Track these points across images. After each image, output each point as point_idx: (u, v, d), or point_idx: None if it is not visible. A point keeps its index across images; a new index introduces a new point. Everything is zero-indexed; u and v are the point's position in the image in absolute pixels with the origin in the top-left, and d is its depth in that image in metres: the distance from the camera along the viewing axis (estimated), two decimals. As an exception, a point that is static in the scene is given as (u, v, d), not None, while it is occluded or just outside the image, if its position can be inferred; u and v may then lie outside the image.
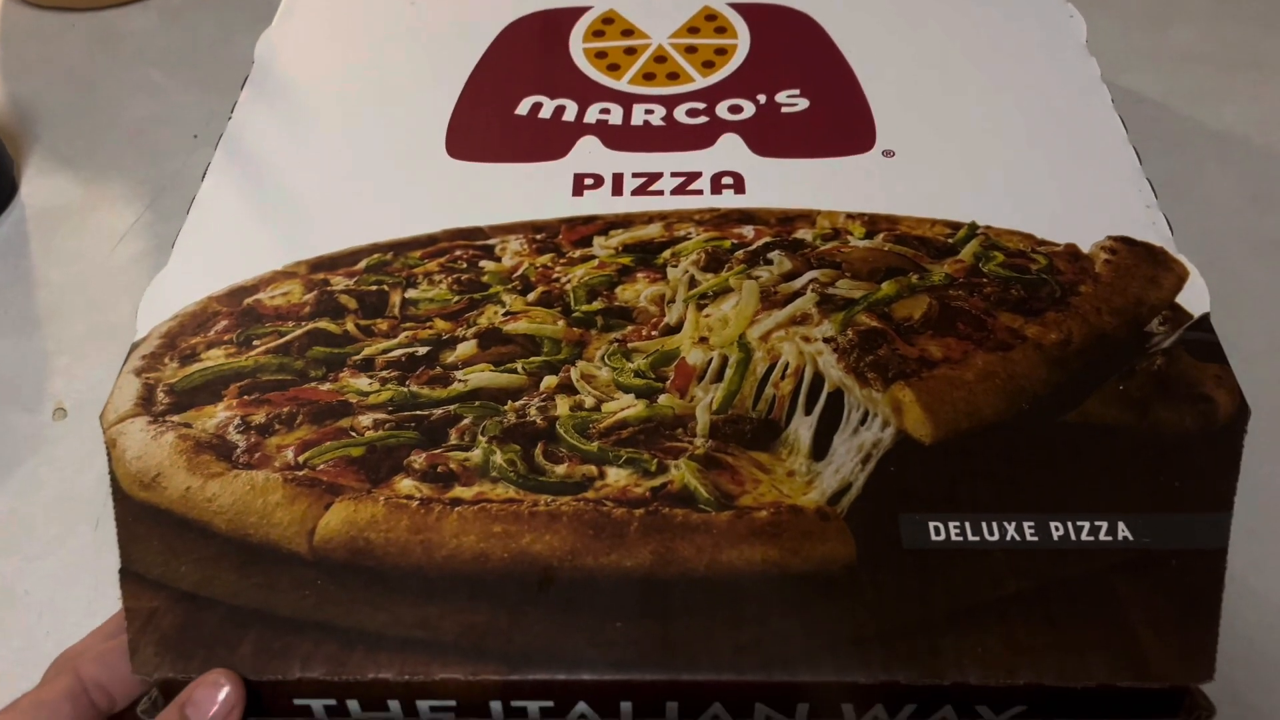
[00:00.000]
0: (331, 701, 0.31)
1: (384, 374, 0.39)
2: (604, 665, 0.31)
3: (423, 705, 0.32)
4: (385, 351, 0.40)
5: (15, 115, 0.66)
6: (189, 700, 0.31)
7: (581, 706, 0.32)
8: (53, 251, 0.60)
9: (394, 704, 0.32)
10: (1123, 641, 0.31)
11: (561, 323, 0.41)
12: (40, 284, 0.58)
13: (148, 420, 0.37)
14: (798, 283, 0.41)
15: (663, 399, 0.38)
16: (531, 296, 0.42)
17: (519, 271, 0.43)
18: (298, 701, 0.31)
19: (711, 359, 0.39)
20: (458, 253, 0.43)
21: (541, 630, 0.32)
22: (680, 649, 0.31)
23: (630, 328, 0.40)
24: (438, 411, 0.37)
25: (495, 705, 0.32)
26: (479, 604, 0.32)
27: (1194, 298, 0.40)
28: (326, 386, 0.38)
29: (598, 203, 0.45)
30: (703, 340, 0.40)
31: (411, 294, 0.42)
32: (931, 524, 0.34)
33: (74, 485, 0.49)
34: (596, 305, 0.41)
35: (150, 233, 0.60)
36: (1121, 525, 0.34)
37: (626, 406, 0.38)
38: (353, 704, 0.32)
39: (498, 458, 0.36)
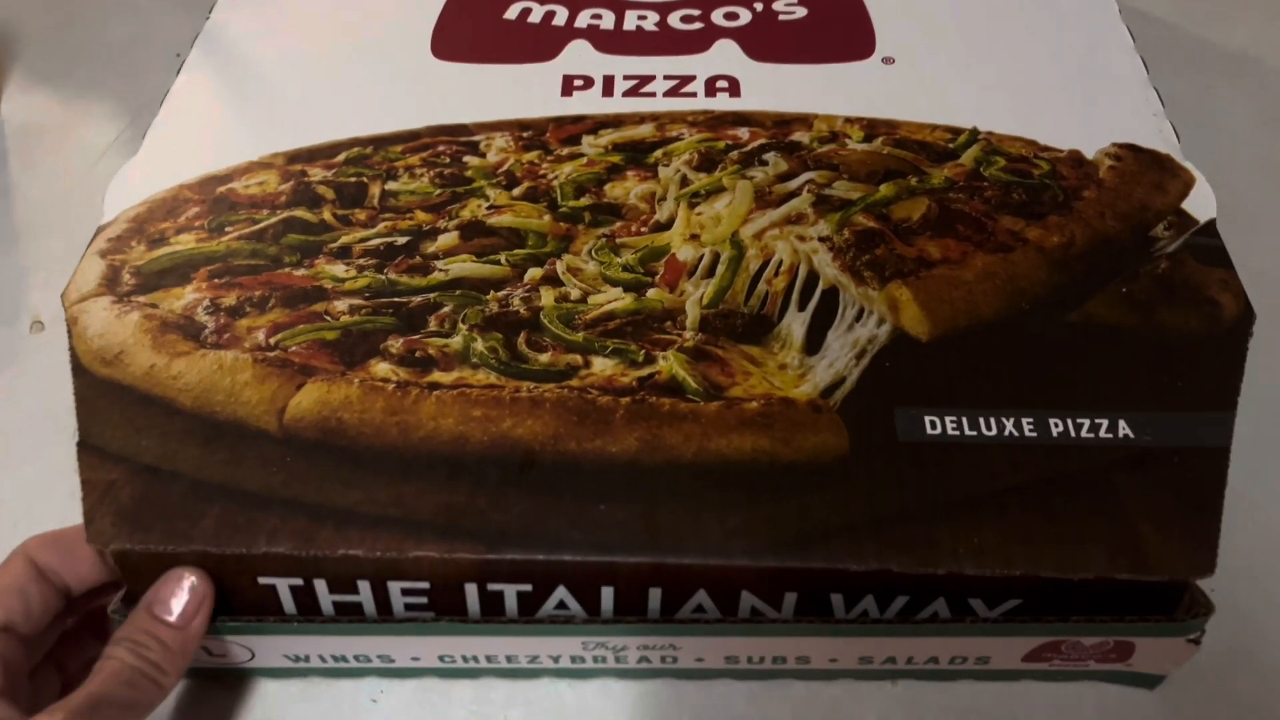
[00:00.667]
0: (298, 581, 0.30)
1: (361, 261, 0.37)
2: (586, 546, 0.29)
3: (394, 588, 0.30)
4: (363, 240, 0.38)
5: (-11, 28, 0.64)
6: (154, 600, 0.29)
7: (561, 592, 0.30)
8: (32, 168, 0.58)
9: (364, 586, 0.30)
10: (1122, 535, 0.30)
11: (547, 217, 0.39)
12: (19, 200, 0.57)
13: (112, 300, 0.36)
14: (793, 184, 0.40)
15: (651, 293, 0.36)
16: (517, 191, 0.40)
17: (504, 167, 0.41)
18: (263, 581, 0.30)
19: (703, 255, 0.38)
20: (440, 148, 0.42)
21: (521, 511, 0.30)
22: (666, 532, 0.30)
23: (619, 224, 0.39)
24: (416, 299, 0.36)
25: (470, 589, 0.30)
26: (457, 484, 0.31)
27: (1200, 204, 0.39)
28: (301, 272, 0.37)
29: (587, 103, 0.44)
30: (694, 237, 0.38)
31: (391, 186, 0.40)
32: (927, 418, 0.33)
33: (51, 398, 0.47)
34: (584, 201, 0.40)
35: (131, 150, 0.58)
36: (1122, 423, 0.33)
37: (614, 299, 0.36)
38: (320, 585, 0.30)
39: (479, 345, 0.34)
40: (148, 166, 0.40)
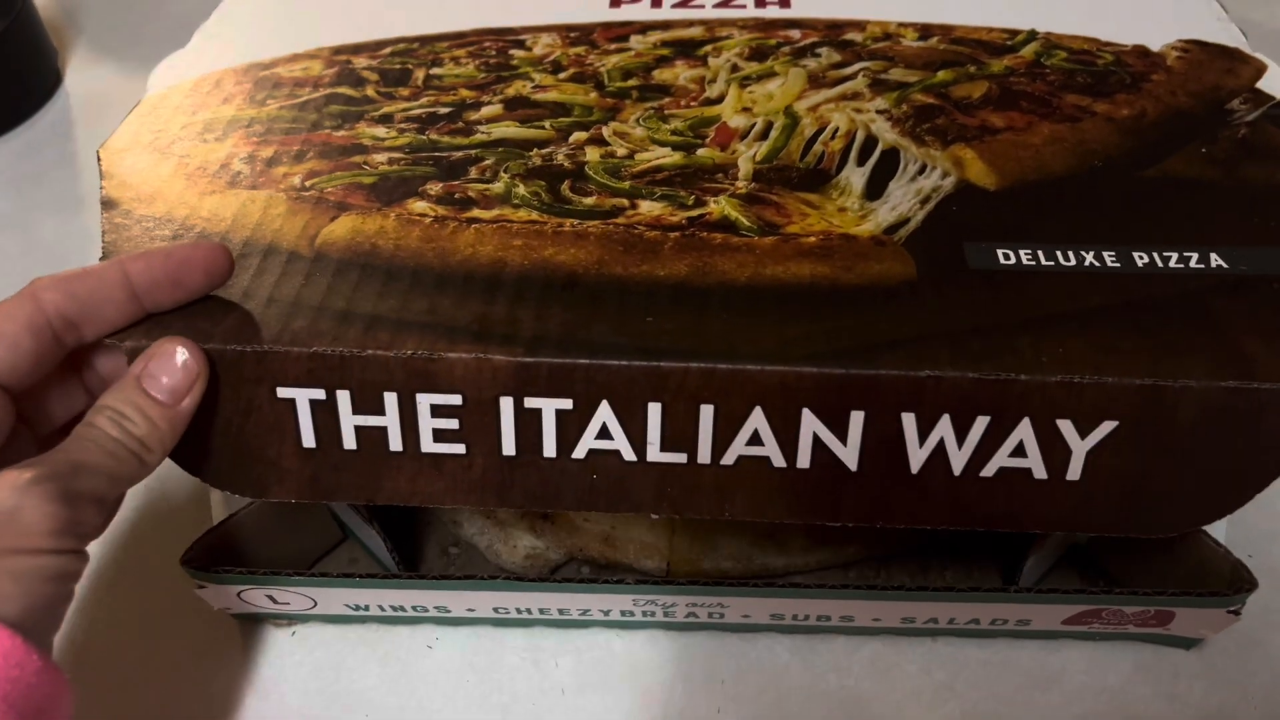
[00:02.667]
0: (319, 394, 0.28)
1: (402, 125, 0.36)
2: (631, 351, 0.27)
3: (424, 405, 0.28)
4: (405, 109, 0.37)
5: (59, 7, 0.66)
6: (144, 373, 0.27)
7: (604, 413, 0.28)
8: (96, 136, 0.59)
9: (391, 402, 0.28)
10: (1224, 346, 0.27)
11: (594, 94, 0.38)
12: (85, 167, 0.58)
13: (148, 151, 0.35)
14: (848, 70, 0.39)
15: (701, 152, 0.35)
16: (563, 75, 0.39)
17: (550, 58, 0.40)
18: (282, 394, 0.28)
19: (755, 123, 0.36)
20: (487, 43, 0.41)
21: (563, 320, 0.28)
22: (718, 340, 0.27)
23: (668, 99, 0.38)
24: (458, 154, 0.35)
25: (506, 407, 0.28)
26: (495, 297, 0.29)
27: (1276, 84, 0.37)
28: (341, 133, 0.36)
29: (636, 12, 0.43)
30: (746, 110, 0.37)
31: (436, 71, 0.40)
32: (1000, 250, 0.30)
33: None
34: (632, 82, 0.39)
35: None
36: (1214, 255, 0.30)
37: (662, 156, 0.35)
38: (343, 401, 0.28)
39: (521, 189, 0.33)
40: (193, 55, 0.40)
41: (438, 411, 0.28)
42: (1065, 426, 0.27)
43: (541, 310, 0.28)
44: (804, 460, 0.28)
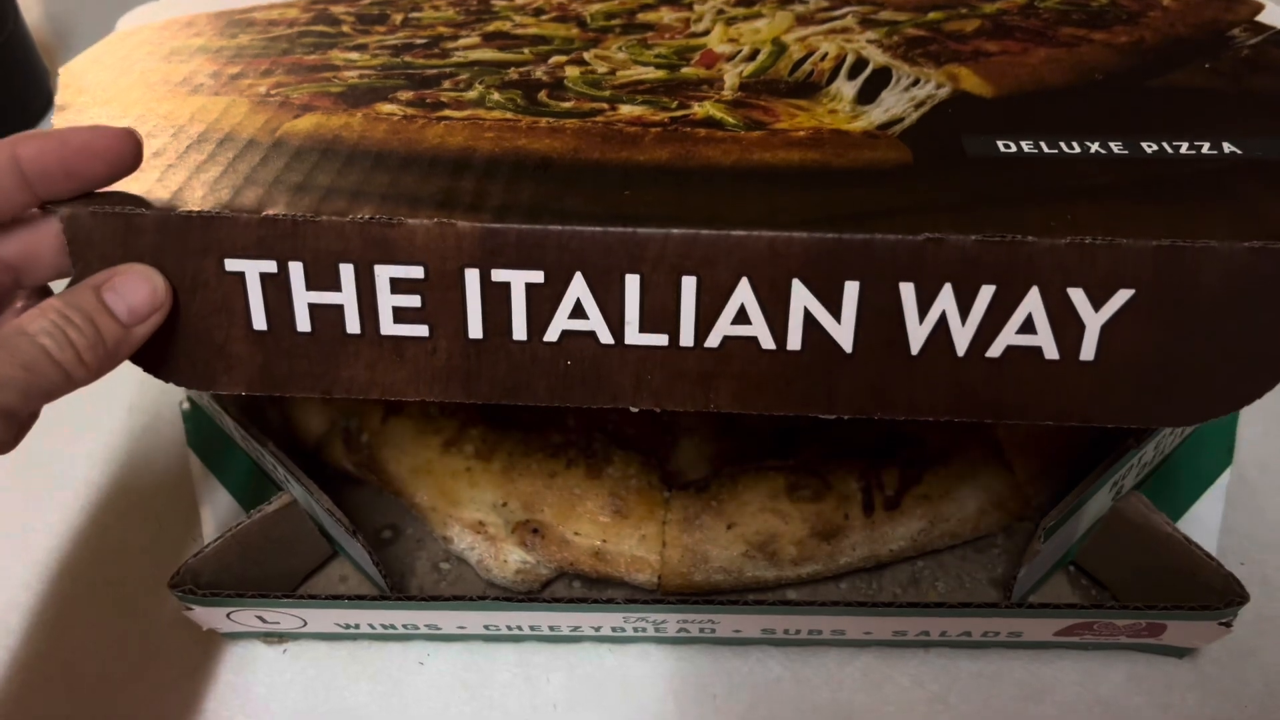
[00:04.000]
0: (271, 267, 0.25)
1: (376, 51, 0.35)
2: (607, 218, 0.25)
3: (383, 278, 0.25)
4: (381, 40, 0.36)
5: (51, 28, 0.66)
6: (105, 283, 0.25)
7: (578, 287, 0.25)
8: None
9: (348, 275, 0.25)
10: (1246, 210, 0.25)
11: (576, 30, 0.37)
12: None
13: (109, 69, 0.34)
14: (837, 12, 0.38)
15: (686, 69, 0.34)
16: (544, 18, 0.38)
17: (533, 6, 0.40)
18: (230, 268, 0.25)
19: (742, 49, 0.35)
20: (469, -7, 0.41)
21: (535, 193, 0.26)
22: (701, 210, 0.25)
23: (652, 33, 0.37)
24: (431, 71, 0.33)
25: (471, 280, 0.25)
26: (463, 175, 0.27)
27: (1273, 19, 0.36)
28: (312, 57, 0.34)
29: (621, -26, 0.43)
30: (732, 41, 0.36)
31: (415, 15, 0.39)
32: (999, 141, 0.29)
33: (108, 375, 0.46)
34: (615, 21, 0.38)
35: None
36: (1227, 144, 0.28)
37: (644, 72, 0.33)
38: (296, 274, 0.25)
39: (496, 95, 0.31)
40: (167, 4, 0.39)
41: (398, 286, 0.25)
42: (1077, 296, 0.25)
43: (511, 185, 0.26)
44: (795, 341, 0.25)
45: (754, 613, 0.34)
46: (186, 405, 0.41)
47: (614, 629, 0.35)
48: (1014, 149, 0.28)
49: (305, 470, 0.36)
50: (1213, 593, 0.32)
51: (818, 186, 0.26)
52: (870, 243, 0.24)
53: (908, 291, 0.25)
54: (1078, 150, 0.28)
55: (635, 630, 0.35)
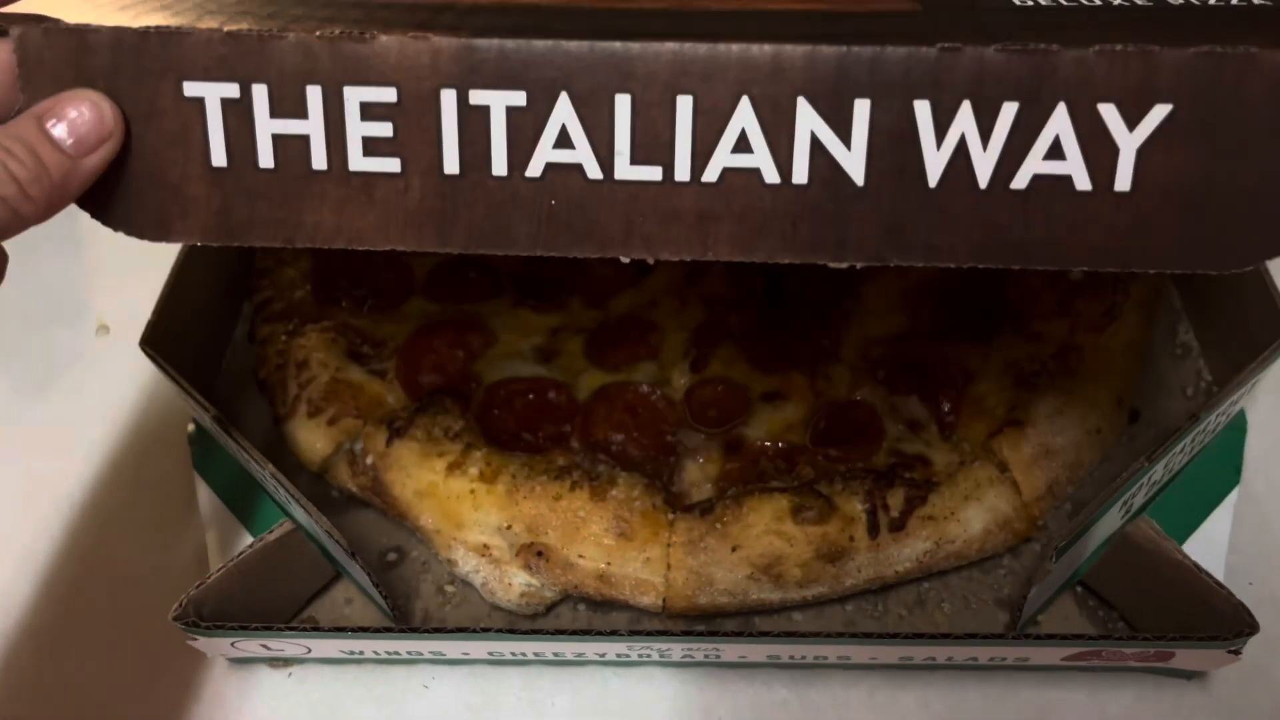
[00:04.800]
0: (233, 91, 0.23)
1: None
2: (593, 34, 0.23)
3: (352, 101, 0.23)
4: None
5: None
6: (47, 110, 0.23)
7: (563, 110, 0.23)
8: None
9: (314, 100, 0.23)
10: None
11: None
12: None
13: None
14: None
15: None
16: None
17: None
18: (189, 92, 0.23)
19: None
20: None
21: (517, 20, 0.24)
22: (697, 24, 0.24)
23: None
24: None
25: (448, 99, 0.23)
26: (446, 12, 0.25)
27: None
28: None
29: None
30: None
31: None
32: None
33: (116, 401, 0.46)
34: None
35: None
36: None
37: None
38: (260, 99, 0.23)
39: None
40: None
41: (369, 113, 0.23)
42: (1109, 113, 0.22)
43: (496, 16, 0.24)
44: (801, 172, 0.23)
45: (759, 642, 0.34)
46: (192, 428, 0.41)
47: (619, 655, 0.35)
48: (1031, 3, 0.26)
49: (310, 492, 0.36)
50: (1222, 621, 0.31)
51: (822, 21, 0.24)
52: (880, 55, 0.22)
53: (923, 111, 0.22)
54: (1099, 3, 0.25)
55: (640, 656, 0.35)
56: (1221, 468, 0.38)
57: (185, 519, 0.40)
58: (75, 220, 0.56)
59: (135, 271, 0.52)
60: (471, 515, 0.37)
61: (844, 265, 0.24)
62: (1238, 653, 0.31)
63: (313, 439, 0.41)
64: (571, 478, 0.37)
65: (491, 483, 0.37)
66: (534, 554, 0.36)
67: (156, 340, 0.39)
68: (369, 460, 0.39)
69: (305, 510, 0.33)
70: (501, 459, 0.38)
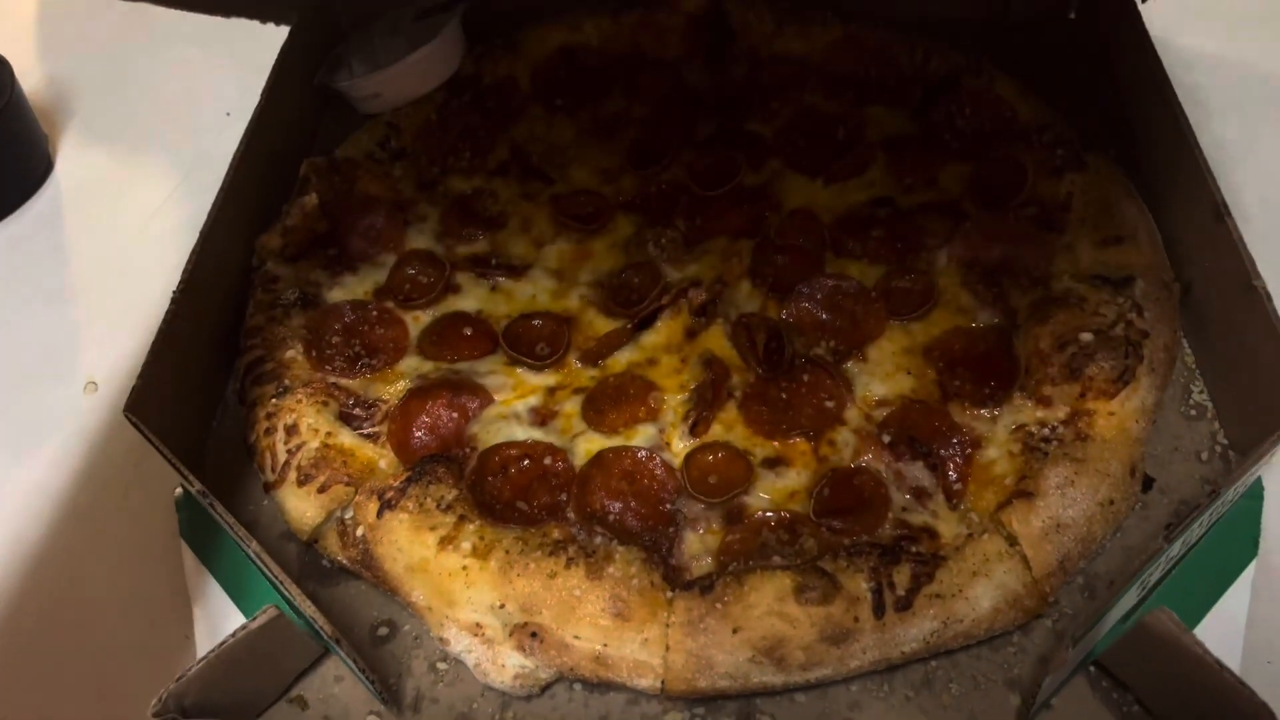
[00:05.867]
0: None
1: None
2: None
3: None
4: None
5: (51, 93, 0.65)
6: None
7: None
8: (87, 226, 0.58)
9: None
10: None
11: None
12: (74, 256, 0.57)
13: None
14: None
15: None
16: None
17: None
18: None
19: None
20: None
21: None
22: None
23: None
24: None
25: None
26: None
27: None
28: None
29: None
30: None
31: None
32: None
33: (105, 460, 0.45)
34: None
35: (182, 208, 0.59)
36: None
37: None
38: None
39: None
40: None
41: None
42: None
43: None
44: None
45: None
46: (179, 492, 0.40)
47: None
48: None
49: (301, 559, 0.34)
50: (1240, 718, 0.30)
51: None
52: None
53: None
54: None
55: None
56: (1238, 540, 0.37)
57: (172, 590, 0.39)
58: (65, 272, 0.56)
59: (123, 326, 0.51)
60: (464, 593, 0.36)
61: None
62: None
63: (303, 507, 0.40)
64: (567, 554, 0.36)
65: (485, 559, 0.36)
66: (528, 635, 0.35)
67: (141, 405, 0.38)
68: (359, 532, 0.38)
69: (291, 594, 0.32)
70: (495, 533, 0.37)
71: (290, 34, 0.56)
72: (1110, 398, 0.39)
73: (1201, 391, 0.43)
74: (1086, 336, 0.40)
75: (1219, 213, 0.42)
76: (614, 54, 0.57)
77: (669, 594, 0.36)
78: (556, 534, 0.37)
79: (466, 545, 0.37)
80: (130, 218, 0.59)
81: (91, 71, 0.67)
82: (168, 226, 0.57)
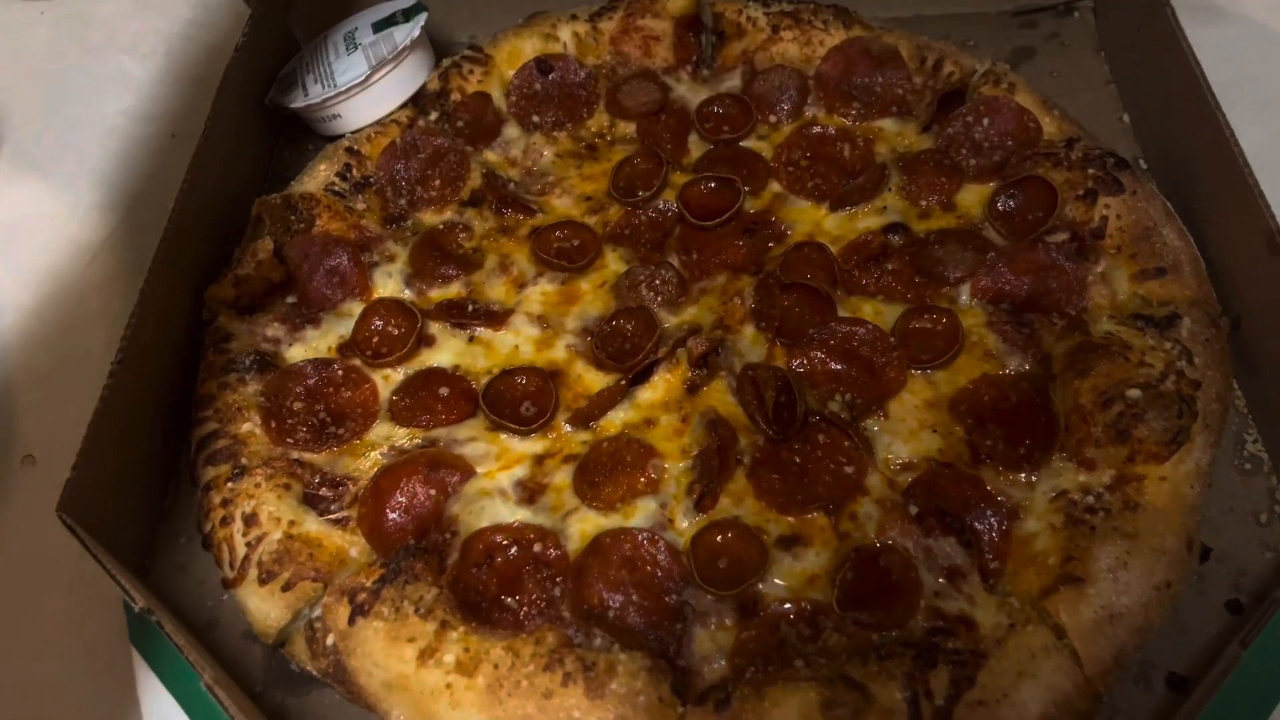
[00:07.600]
0: None
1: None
2: None
3: None
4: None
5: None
6: None
7: None
8: (22, 271, 0.53)
9: None
10: None
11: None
12: (8, 308, 0.51)
13: None
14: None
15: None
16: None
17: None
18: None
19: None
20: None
21: None
22: None
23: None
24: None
25: None
26: None
27: None
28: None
29: None
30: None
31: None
32: None
33: (42, 540, 0.40)
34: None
35: (126, 247, 0.53)
36: None
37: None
38: None
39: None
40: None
41: None
42: None
43: None
44: None
45: None
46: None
47: None
48: None
49: (267, 662, 0.30)
50: None
51: None
52: None
53: None
54: None
55: None
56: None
57: (121, 704, 0.35)
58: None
59: (63, 390, 0.47)
60: (449, 714, 0.32)
61: None
62: None
63: (266, 608, 0.36)
64: (564, 668, 0.32)
65: (471, 675, 0.32)
66: (521, 759, 0.31)
67: (77, 502, 0.34)
68: (330, 640, 0.34)
69: None
70: (481, 643, 0.33)
71: (236, 48, 0.51)
72: (1162, 461, 0.35)
73: (1256, 441, 0.39)
74: (1134, 393, 0.36)
75: (1275, 241, 0.38)
76: (595, 64, 0.52)
77: (680, 710, 0.32)
78: (551, 639, 0.33)
79: (449, 659, 0.33)
80: (66, 261, 0.53)
81: (22, 93, 0.61)
82: (109, 269, 0.52)
